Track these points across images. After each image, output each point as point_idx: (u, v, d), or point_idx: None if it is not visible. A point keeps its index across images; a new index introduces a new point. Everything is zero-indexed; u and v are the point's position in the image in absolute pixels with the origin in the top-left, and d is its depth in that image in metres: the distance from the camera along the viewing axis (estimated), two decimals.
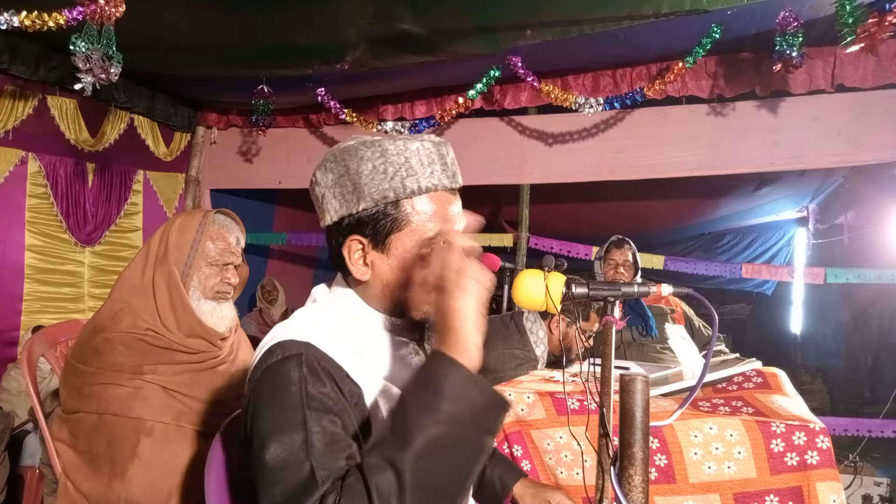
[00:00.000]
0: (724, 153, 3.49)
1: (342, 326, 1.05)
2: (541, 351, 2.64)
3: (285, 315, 5.16)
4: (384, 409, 1.00)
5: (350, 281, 1.09)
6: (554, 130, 3.77)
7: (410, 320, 1.08)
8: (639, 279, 3.15)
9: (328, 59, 3.10)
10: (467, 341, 0.86)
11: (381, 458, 0.81)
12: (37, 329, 3.06)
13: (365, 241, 1.04)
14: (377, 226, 1.02)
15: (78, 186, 3.54)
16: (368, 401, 0.99)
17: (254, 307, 5.17)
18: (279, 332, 1.03)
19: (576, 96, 3.17)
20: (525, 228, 3.98)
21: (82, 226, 3.58)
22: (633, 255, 3.13)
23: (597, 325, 2.69)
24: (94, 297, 3.63)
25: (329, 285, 1.15)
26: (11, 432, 2.70)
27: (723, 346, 2.97)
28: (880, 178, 4.20)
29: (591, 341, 2.59)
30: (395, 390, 1.03)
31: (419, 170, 1.01)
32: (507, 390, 1.78)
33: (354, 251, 1.05)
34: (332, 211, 1.05)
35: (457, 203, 1.07)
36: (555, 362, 2.72)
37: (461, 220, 1.07)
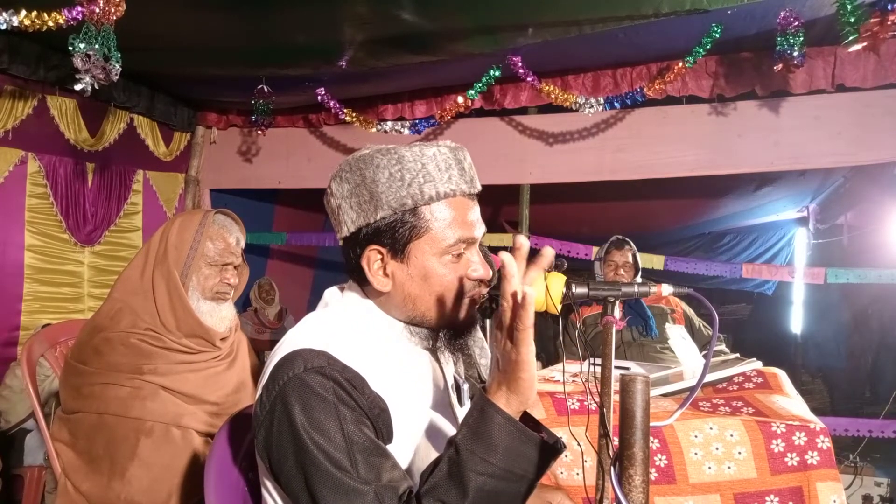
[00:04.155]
0: (724, 153, 3.49)
1: (358, 335, 1.03)
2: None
3: (280, 315, 5.14)
4: (404, 421, 0.99)
5: (368, 291, 1.08)
6: (554, 130, 3.76)
7: (428, 329, 1.07)
8: (639, 279, 3.14)
9: (328, 58, 3.10)
10: (529, 388, 0.87)
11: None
12: (44, 327, 3.05)
13: (384, 250, 1.02)
14: (396, 234, 1.00)
15: (77, 186, 3.54)
16: (392, 411, 0.98)
17: (248, 307, 5.15)
18: (294, 340, 1.01)
19: (576, 96, 3.17)
20: (525, 228, 3.98)
21: (82, 226, 3.57)
22: (634, 256, 3.12)
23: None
24: (93, 297, 3.63)
25: (341, 289, 1.13)
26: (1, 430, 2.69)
27: (723, 346, 2.96)
28: (880, 178, 4.20)
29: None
30: (415, 403, 1.03)
31: (436, 175, 1.00)
32: None
33: (374, 262, 1.03)
34: (349, 221, 1.03)
35: (475, 208, 1.06)
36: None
37: (480, 225, 1.06)
